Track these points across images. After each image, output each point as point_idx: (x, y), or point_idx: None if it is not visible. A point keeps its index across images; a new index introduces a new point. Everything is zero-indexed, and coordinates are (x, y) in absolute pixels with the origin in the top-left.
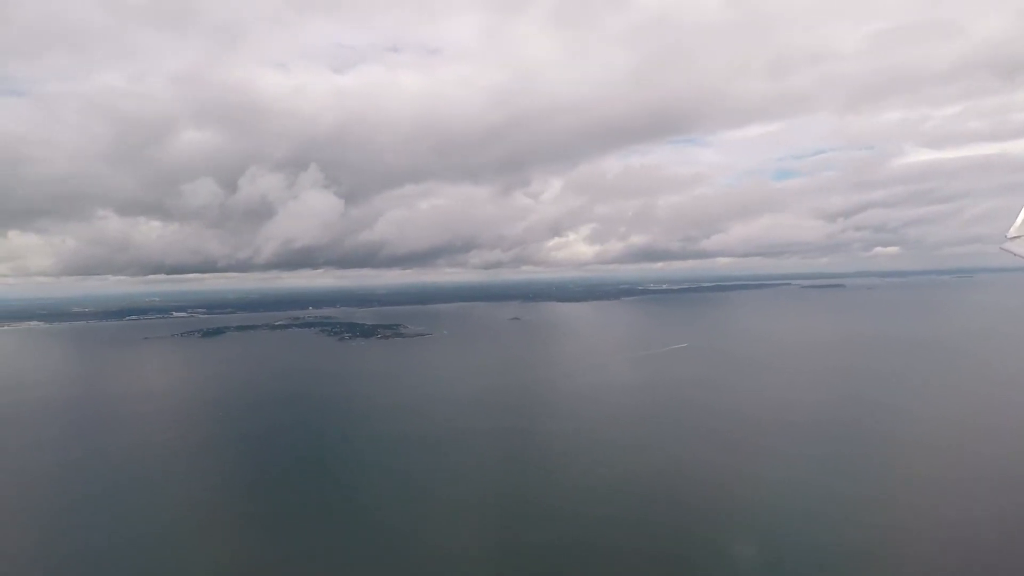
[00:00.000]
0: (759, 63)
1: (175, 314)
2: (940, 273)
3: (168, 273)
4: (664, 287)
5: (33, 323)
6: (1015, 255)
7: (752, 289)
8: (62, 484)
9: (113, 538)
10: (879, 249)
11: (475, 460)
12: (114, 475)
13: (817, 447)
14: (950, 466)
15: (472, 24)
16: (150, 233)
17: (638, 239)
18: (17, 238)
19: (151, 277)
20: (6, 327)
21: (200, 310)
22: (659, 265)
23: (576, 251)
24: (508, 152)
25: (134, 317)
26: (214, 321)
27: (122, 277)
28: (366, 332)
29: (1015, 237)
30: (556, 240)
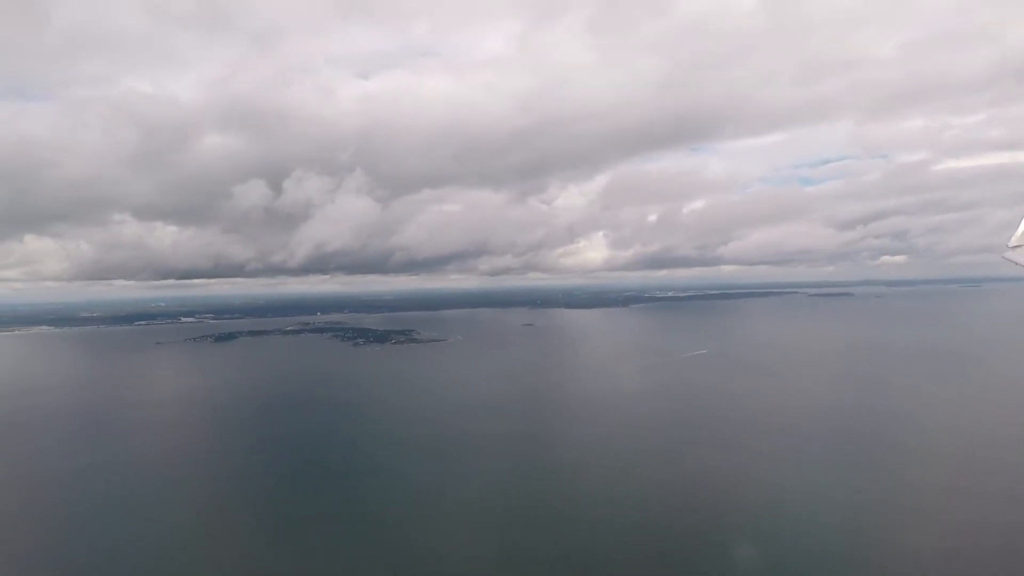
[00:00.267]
0: (790, 70)
1: (184, 319)
2: (947, 282)
3: (180, 278)
4: (670, 294)
5: (43, 328)
6: (1017, 264)
7: (759, 297)
8: (83, 488)
9: (128, 542)
10: (886, 258)
11: (503, 466)
12: (137, 479)
13: (846, 454)
14: (962, 473)
15: (507, 30)
16: (164, 238)
17: (648, 246)
18: (33, 242)
19: (156, 282)
20: (17, 332)
21: (208, 315)
22: (663, 273)
23: (584, 258)
24: (528, 158)
25: (143, 322)
26: (224, 326)
27: (129, 282)
28: (380, 337)
29: (1017, 246)
30: (566, 247)
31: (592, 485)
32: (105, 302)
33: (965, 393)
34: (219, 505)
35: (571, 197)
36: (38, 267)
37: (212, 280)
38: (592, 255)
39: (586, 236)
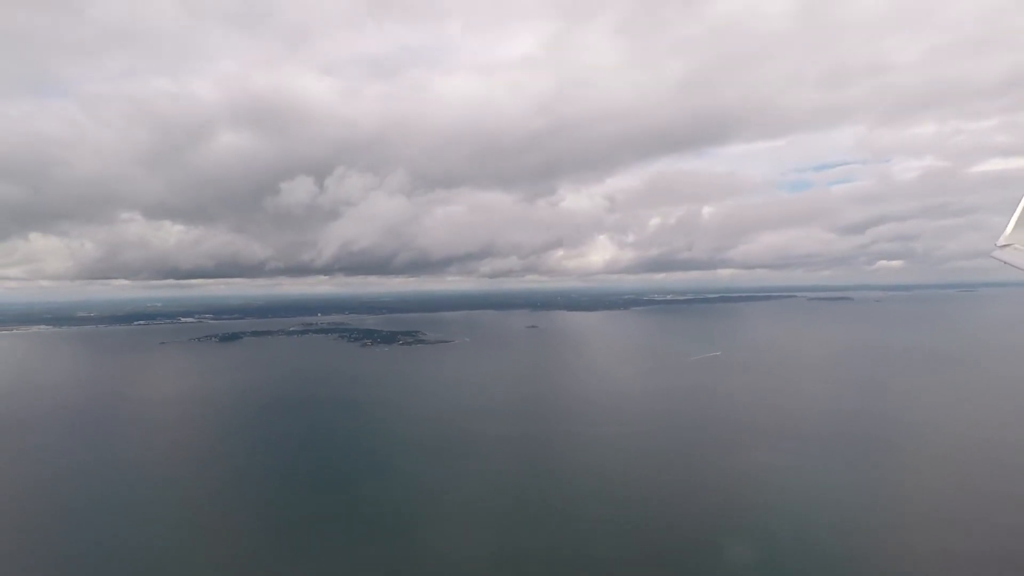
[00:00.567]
0: (816, 73)
1: (183, 319)
2: (943, 287)
3: (183, 278)
4: (668, 298)
5: (41, 327)
6: (1004, 263)
7: (759, 301)
8: (100, 484)
9: (139, 541)
10: (883, 262)
11: (530, 468)
12: (156, 476)
13: (869, 456)
14: (976, 475)
15: (539, 31)
16: (170, 238)
17: (653, 249)
18: (39, 240)
19: (153, 283)
20: (16, 330)
21: (207, 316)
22: (660, 276)
23: (586, 261)
24: (542, 160)
25: (142, 322)
26: (225, 327)
27: (124, 282)
28: (386, 338)
29: (1004, 246)
30: (570, 249)
31: (623, 486)
32: (102, 302)
33: (973, 397)
34: (230, 503)
35: (580, 199)
36: (41, 266)
37: (209, 281)
38: (594, 258)
39: (592, 238)
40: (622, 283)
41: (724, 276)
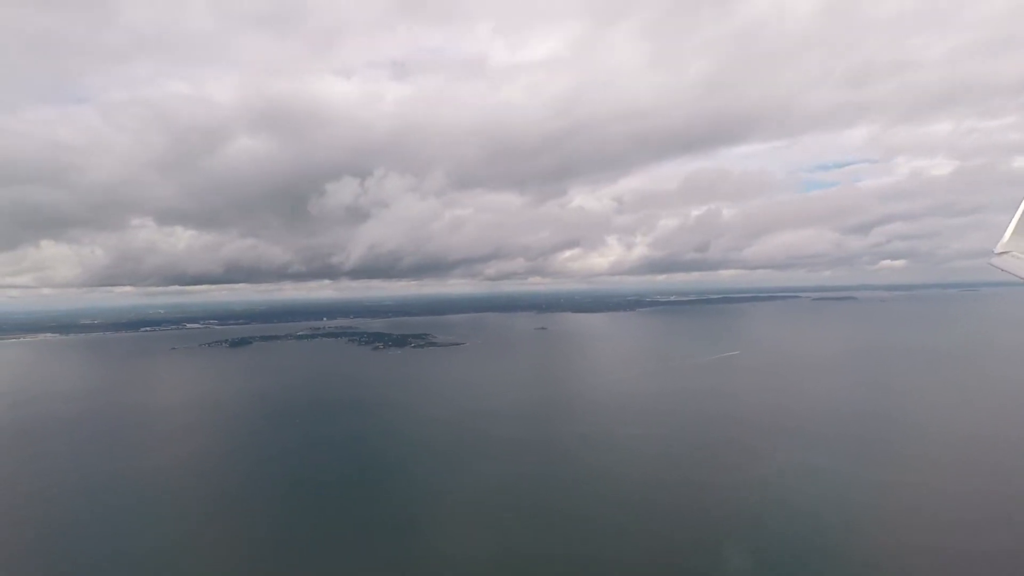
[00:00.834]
0: (839, 73)
1: (188, 325)
2: (945, 286)
3: (189, 284)
4: (672, 299)
5: (48, 335)
6: (1002, 270)
7: (762, 301)
8: (130, 490)
9: (158, 545)
10: (885, 262)
11: (566, 469)
12: (183, 482)
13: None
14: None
15: (567, 32)
16: (178, 243)
17: (662, 251)
18: (50, 248)
19: (154, 289)
20: (24, 339)
21: (212, 321)
22: (661, 278)
23: (590, 262)
24: (556, 161)
25: (148, 329)
26: (232, 332)
27: (126, 289)
28: (398, 341)
29: (1002, 253)
30: (575, 251)
31: (661, 487)
32: (105, 309)
33: (993, 396)
34: (254, 506)
35: (590, 200)
36: (50, 273)
37: (212, 287)
38: (598, 260)
39: (599, 240)
40: (624, 285)
41: (725, 277)
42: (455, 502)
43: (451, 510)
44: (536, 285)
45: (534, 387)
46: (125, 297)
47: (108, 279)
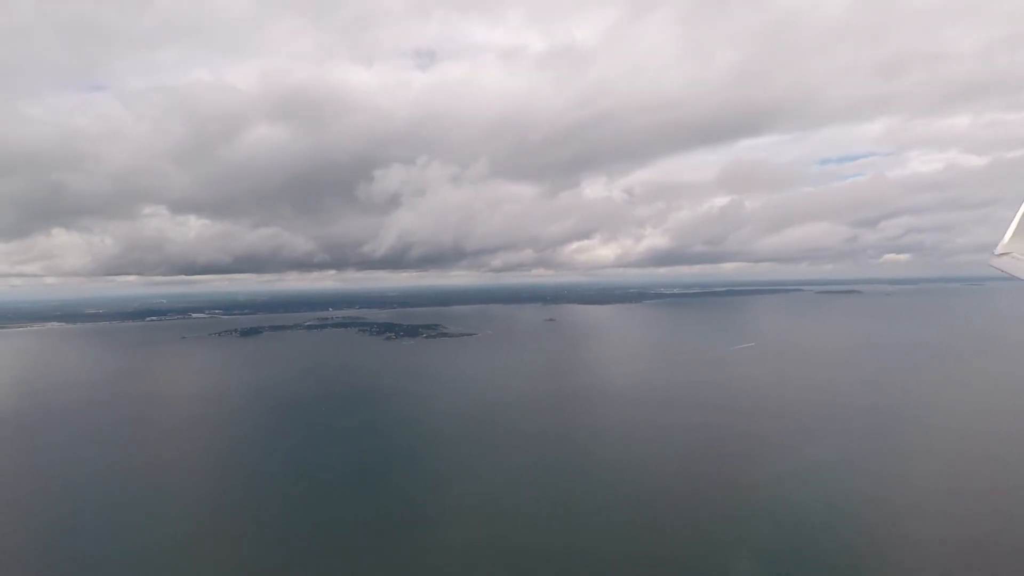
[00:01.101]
0: (870, 64)
1: (193, 315)
2: (949, 280)
3: (198, 273)
4: (675, 291)
5: (54, 324)
6: (1002, 271)
7: (767, 294)
8: (160, 477)
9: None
10: (889, 256)
11: (610, 458)
12: (211, 471)
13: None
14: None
15: (601, 21)
16: (188, 233)
17: (671, 241)
18: (61, 236)
19: (156, 279)
20: (32, 327)
21: (217, 311)
22: (663, 270)
23: (596, 254)
24: (575, 152)
25: (154, 318)
26: (242, 322)
27: (128, 279)
28: (409, 332)
29: (1003, 254)
30: (584, 242)
31: (696, 477)
32: (109, 298)
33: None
34: (281, 496)
35: (603, 192)
36: (58, 262)
37: (213, 277)
38: (605, 251)
39: (621, 230)
40: (626, 277)
41: (727, 270)
42: (482, 493)
43: (480, 501)
44: (539, 277)
45: (554, 377)
46: (128, 287)
47: (116, 268)
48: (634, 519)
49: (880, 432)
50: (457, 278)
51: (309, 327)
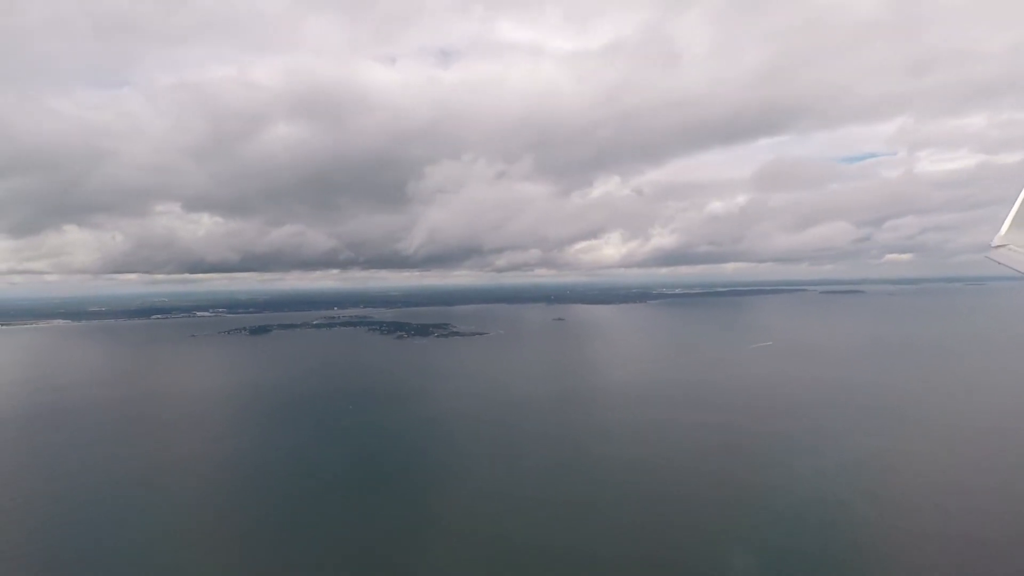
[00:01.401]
0: (902, 62)
1: (198, 314)
2: (951, 280)
3: (207, 271)
4: (678, 291)
5: (60, 321)
6: (999, 263)
7: (771, 294)
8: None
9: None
10: (891, 256)
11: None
12: (240, 465)
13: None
14: None
15: (635, 19)
16: (197, 231)
17: (668, 242)
18: (73, 233)
19: (157, 277)
20: (38, 325)
21: (220, 309)
22: (664, 270)
23: (600, 255)
24: (593, 151)
25: (160, 316)
26: (249, 320)
27: (128, 277)
28: (420, 331)
29: (999, 246)
30: (591, 242)
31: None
32: (110, 296)
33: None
34: (305, 493)
35: (616, 191)
36: (67, 259)
37: (213, 276)
38: (609, 251)
39: (619, 231)
40: (627, 277)
41: (728, 270)
42: (514, 491)
43: (517, 500)
44: (540, 277)
45: (574, 376)
46: (129, 285)
47: (124, 266)
48: (659, 518)
49: (915, 429)
50: (458, 278)
51: (317, 325)
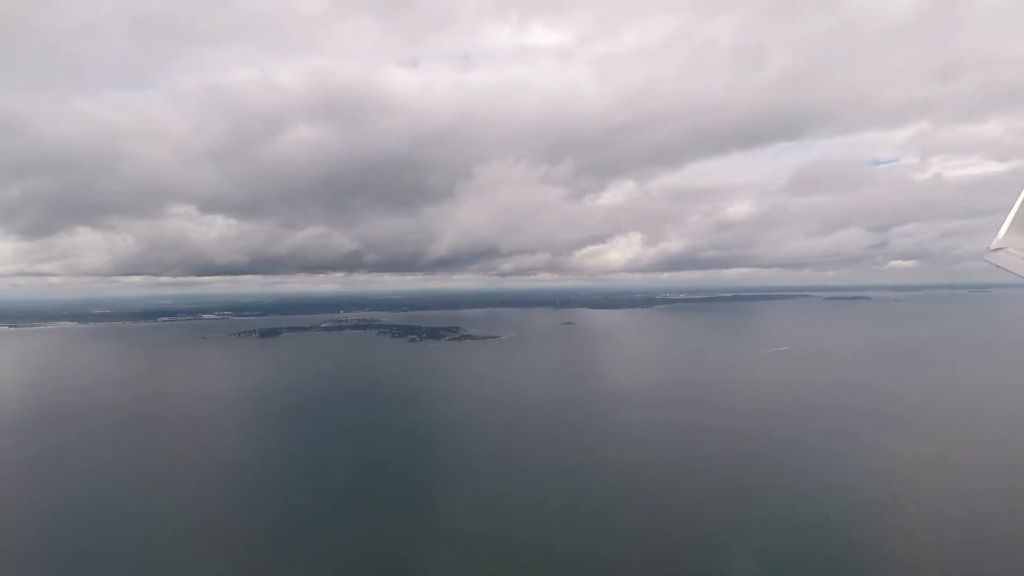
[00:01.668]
0: (929, 67)
1: (204, 316)
2: (954, 287)
3: (216, 274)
4: (682, 296)
5: (67, 323)
6: (997, 267)
7: (775, 300)
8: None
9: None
10: (895, 262)
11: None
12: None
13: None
14: None
15: (668, 24)
16: (208, 233)
17: (676, 247)
18: (86, 235)
19: (159, 279)
20: (46, 327)
21: (226, 312)
22: (666, 275)
23: (606, 259)
24: (608, 155)
25: (166, 319)
26: (257, 323)
27: (131, 280)
28: (432, 334)
29: (997, 250)
30: (599, 246)
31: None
32: (113, 299)
33: None
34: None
35: (628, 195)
36: (76, 261)
37: (214, 279)
38: (615, 256)
39: (628, 235)
40: (629, 282)
41: (730, 276)
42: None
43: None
44: (542, 282)
45: (601, 379)
46: (131, 288)
47: (133, 268)
48: (677, 524)
49: (950, 434)
50: (460, 282)
51: (327, 328)
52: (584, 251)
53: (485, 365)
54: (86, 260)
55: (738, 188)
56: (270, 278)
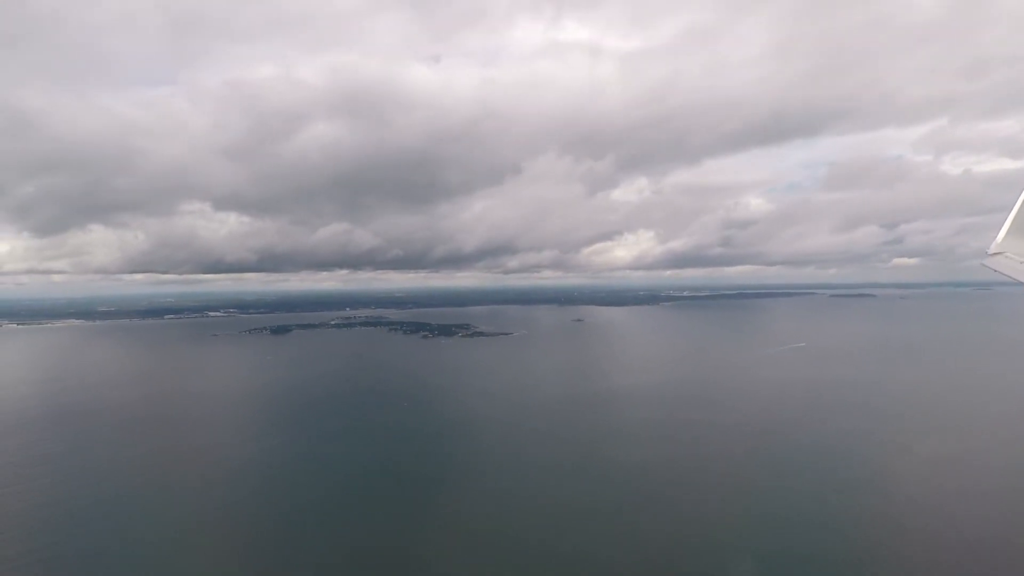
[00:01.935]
0: (958, 63)
1: (209, 314)
2: (958, 285)
3: (225, 271)
4: (686, 294)
5: (74, 321)
6: (995, 271)
7: (780, 297)
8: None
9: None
10: (899, 260)
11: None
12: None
13: None
14: None
15: (691, 21)
16: (219, 230)
17: (683, 245)
18: (98, 232)
19: (161, 277)
20: (55, 324)
21: (232, 310)
22: (668, 273)
23: (612, 256)
24: (624, 152)
25: (172, 316)
26: (263, 320)
27: (134, 278)
28: (444, 331)
29: (995, 253)
30: (606, 243)
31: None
32: (117, 297)
33: None
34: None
35: (640, 192)
36: (87, 258)
37: (216, 276)
38: (621, 253)
39: (638, 233)
40: (631, 280)
41: (732, 273)
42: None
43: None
44: (545, 279)
45: (613, 376)
46: (134, 285)
47: (142, 266)
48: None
49: (958, 431)
50: (463, 279)
51: (337, 325)
52: (592, 248)
53: (501, 361)
54: (96, 258)
55: (753, 184)
56: (272, 276)
